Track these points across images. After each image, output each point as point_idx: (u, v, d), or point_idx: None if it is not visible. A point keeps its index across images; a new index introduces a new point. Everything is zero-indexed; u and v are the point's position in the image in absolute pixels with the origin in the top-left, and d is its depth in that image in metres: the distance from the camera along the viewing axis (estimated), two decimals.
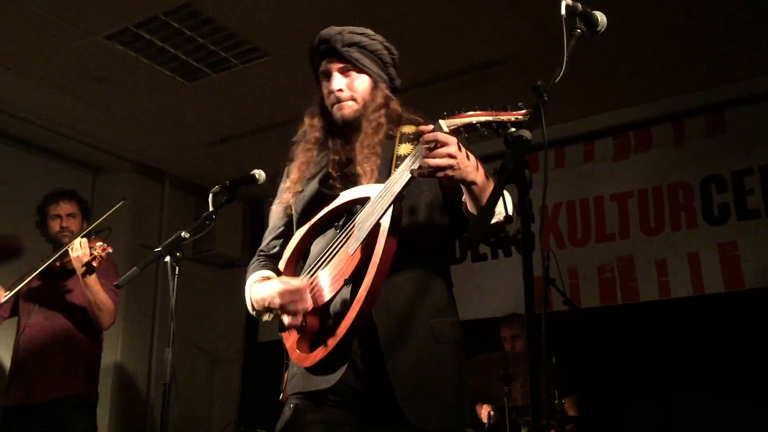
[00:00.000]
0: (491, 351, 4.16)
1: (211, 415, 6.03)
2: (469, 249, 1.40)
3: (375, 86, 1.98)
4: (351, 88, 1.96)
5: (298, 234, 2.00)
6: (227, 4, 3.82)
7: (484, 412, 4.17)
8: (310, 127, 2.05)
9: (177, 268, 2.33)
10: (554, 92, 1.47)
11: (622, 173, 4.91)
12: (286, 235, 2.08)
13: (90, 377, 3.59)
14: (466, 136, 1.69)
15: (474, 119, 1.66)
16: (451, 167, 1.63)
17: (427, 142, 1.64)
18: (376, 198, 1.79)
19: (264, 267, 2.07)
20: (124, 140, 5.43)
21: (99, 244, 3.37)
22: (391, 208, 1.73)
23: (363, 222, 1.79)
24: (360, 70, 1.97)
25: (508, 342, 4.37)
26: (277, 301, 1.84)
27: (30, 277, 3.47)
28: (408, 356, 1.78)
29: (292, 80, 4.23)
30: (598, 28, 1.69)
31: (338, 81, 1.96)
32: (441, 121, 1.69)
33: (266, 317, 1.96)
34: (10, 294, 3.46)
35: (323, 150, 2.03)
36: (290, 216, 2.07)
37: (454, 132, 1.66)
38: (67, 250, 3.40)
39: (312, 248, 1.98)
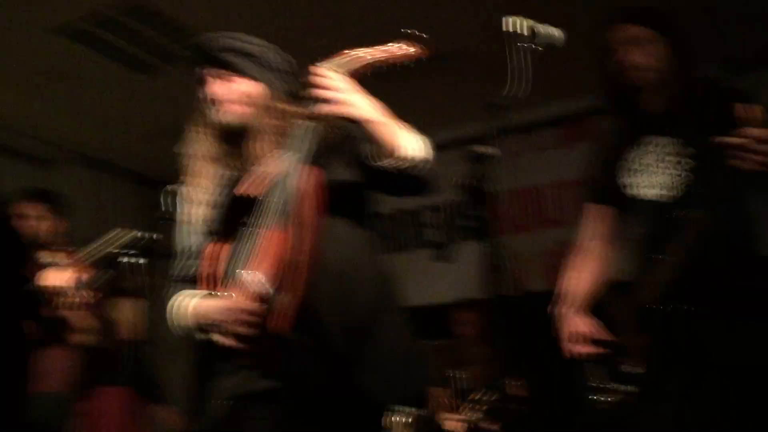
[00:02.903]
0: (442, 337, 4.28)
1: None
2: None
3: (255, 89, 1.90)
4: (226, 91, 1.89)
5: (209, 248, 1.84)
6: None
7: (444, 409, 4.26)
8: (199, 136, 1.94)
9: (141, 266, 2.37)
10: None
11: (563, 162, 5.10)
12: (197, 254, 1.90)
13: None
14: (367, 73, 1.73)
15: (363, 56, 1.73)
16: (345, 102, 1.65)
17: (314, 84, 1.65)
18: (284, 168, 1.73)
19: (185, 290, 1.87)
20: (71, 132, 5.36)
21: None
22: (303, 166, 1.70)
23: (279, 194, 1.71)
24: (236, 74, 1.89)
25: (468, 326, 4.35)
26: (218, 317, 1.68)
27: None
28: (353, 333, 1.73)
29: None
30: (553, 43, 1.81)
31: (212, 86, 1.89)
32: (328, 63, 1.72)
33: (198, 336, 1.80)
34: None
35: (218, 158, 1.93)
36: (200, 233, 1.92)
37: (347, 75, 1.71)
38: None
39: (223, 259, 1.80)
